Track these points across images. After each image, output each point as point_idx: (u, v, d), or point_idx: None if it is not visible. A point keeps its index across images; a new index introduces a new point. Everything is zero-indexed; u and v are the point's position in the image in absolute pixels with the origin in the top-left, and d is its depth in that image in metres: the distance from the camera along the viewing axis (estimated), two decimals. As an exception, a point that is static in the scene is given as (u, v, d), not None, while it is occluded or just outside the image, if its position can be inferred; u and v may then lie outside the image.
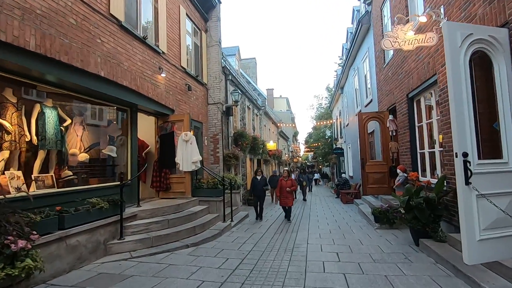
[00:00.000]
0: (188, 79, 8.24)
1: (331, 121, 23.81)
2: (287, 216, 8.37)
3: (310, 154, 46.07)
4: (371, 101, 10.61)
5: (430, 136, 6.01)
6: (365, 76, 11.59)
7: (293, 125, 37.65)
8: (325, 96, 29.53)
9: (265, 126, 19.66)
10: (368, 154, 8.60)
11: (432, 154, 5.92)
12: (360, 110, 12.54)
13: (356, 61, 13.19)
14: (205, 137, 9.40)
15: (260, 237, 6.02)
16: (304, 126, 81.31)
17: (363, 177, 8.48)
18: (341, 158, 20.59)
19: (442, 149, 5.09)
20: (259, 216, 8.62)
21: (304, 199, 13.87)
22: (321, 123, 25.65)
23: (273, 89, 42.84)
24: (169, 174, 7.04)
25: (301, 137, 52.51)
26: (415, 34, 4.83)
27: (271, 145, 18.24)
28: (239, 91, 9.86)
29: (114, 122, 6.16)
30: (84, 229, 4.11)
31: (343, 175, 16.22)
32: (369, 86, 11.06)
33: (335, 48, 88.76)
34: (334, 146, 21.97)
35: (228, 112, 10.00)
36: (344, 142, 18.86)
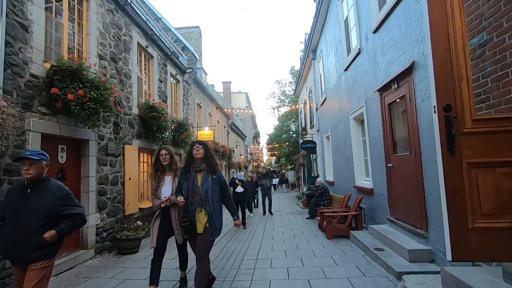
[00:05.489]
0: None
1: (296, 106, 17.71)
2: None
3: (274, 159, 39.82)
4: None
5: None
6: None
7: (250, 111, 31.24)
8: (290, 81, 23.53)
9: (199, 106, 12.78)
10: (470, 90, 2.12)
11: None
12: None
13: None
14: None
15: None
16: (267, 128, 74.24)
17: (465, 187, 1.98)
18: (312, 155, 14.39)
19: None
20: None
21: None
22: (289, 109, 19.55)
23: (230, 82, 36.34)
24: None
25: (264, 140, 46.27)
26: None
27: (205, 132, 11.37)
28: None
29: None
30: None
31: (318, 179, 9.87)
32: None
33: (298, 37, 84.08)
34: (302, 139, 15.77)
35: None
36: (317, 131, 12.68)
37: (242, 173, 19.53)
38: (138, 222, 5.61)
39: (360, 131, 7.13)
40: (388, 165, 5.07)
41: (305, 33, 19.77)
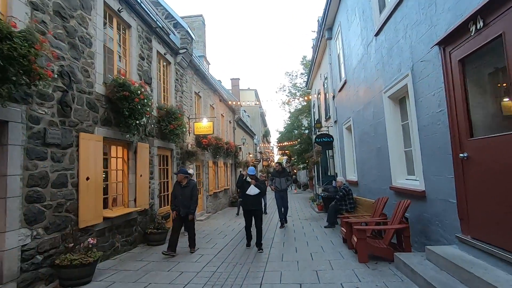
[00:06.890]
0: None
1: (309, 97, 15.91)
2: None
3: (285, 159, 37.97)
4: None
5: None
6: None
7: (257, 103, 29.54)
8: (301, 72, 21.62)
9: (198, 95, 11.15)
10: None
11: None
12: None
13: None
14: None
15: None
16: (277, 125, 71.30)
17: None
18: (328, 151, 12.55)
19: None
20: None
21: None
22: (301, 101, 17.90)
23: (239, 79, 34.72)
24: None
25: (274, 138, 44.36)
26: None
27: (203, 125, 9.72)
28: None
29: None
30: None
31: (339, 179, 8.06)
32: None
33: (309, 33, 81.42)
34: (316, 133, 13.93)
35: None
36: (335, 122, 10.84)
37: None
38: (89, 239, 3.97)
39: (398, 113, 5.31)
40: (460, 155, 3.25)
41: (317, 20, 17.98)
